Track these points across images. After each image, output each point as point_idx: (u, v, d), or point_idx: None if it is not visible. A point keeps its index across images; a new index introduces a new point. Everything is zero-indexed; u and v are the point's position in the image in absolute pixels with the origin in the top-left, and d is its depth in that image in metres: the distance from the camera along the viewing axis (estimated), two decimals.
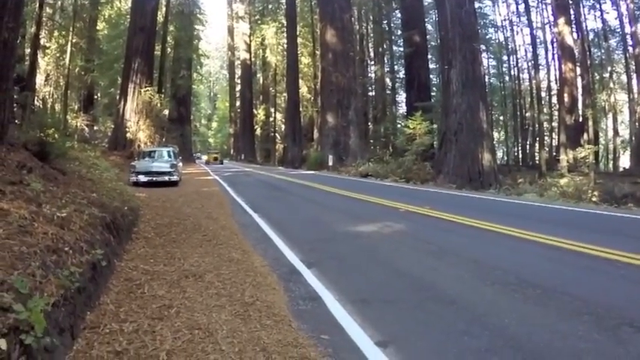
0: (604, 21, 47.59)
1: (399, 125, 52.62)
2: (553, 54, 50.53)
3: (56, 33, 44.34)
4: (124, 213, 8.41)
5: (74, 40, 40.97)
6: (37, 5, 32.30)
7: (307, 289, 5.92)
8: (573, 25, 42.28)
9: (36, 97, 34.47)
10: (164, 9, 49.87)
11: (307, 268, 6.95)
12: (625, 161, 46.55)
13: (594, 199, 18.95)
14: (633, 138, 42.19)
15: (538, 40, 52.49)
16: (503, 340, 4.26)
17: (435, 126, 37.33)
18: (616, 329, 4.42)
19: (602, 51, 48.02)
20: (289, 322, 4.73)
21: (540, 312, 4.99)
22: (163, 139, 38.45)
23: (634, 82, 41.65)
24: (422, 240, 9.25)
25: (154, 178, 21.35)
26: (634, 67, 40.78)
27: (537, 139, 51.66)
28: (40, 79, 41.33)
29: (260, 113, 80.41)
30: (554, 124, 51.16)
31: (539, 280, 6.17)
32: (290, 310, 5.14)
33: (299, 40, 64.56)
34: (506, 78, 57.48)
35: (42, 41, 39.71)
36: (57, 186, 7.06)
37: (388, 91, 64.16)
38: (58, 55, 44.28)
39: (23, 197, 5.42)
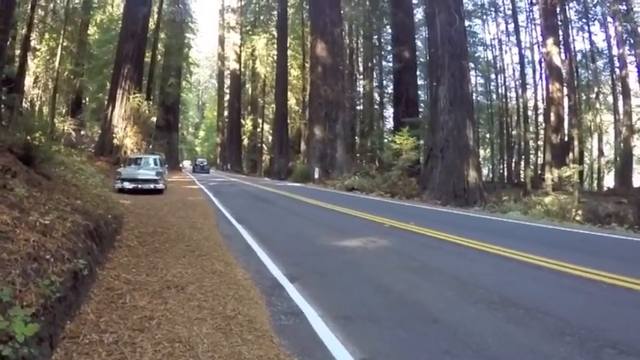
0: (592, 43, 48.26)
1: (385, 140, 52.70)
2: (541, 74, 50.92)
3: (47, 35, 44.13)
4: (107, 221, 8.33)
5: (65, 44, 40.85)
6: (29, 7, 32.25)
7: (289, 304, 5.90)
8: (561, 46, 42.76)
9: (24, 99, 34.27)
10: (156, 16, 49.85)
11: (290, 282, 6.93)
12: (609, 181, 46.97)
13: (578, 218, 19.11)
14: (618, 158, 42.62)
15: (526, 60, 53.07)
16: None
17: (421, 142, 37.54)
18: (598, 351, 4.44)
19: (590, 72, 48.62)
20: (271, 338, 4.70)
21: (523, 332, 4.99)
22: (150, 147, 38.29)
23: (620, 103, 42.17)
24: (406, 256, 9.26)
25: (140, 186, 21.21)
26: (620, 89, 41.31)
27: (523, 157, 51.97)
28: (29, 81, 41.07)
29: (248, 124, 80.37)
30: (540, 142, 51.54)
31: (522, 299, 6.19)
32: (272, 325, 5.12)
33: (289, 52, 64.78)
34: (494, 96, 57.99)
35: (32, 43, 39.58)
36: (41, 191, 6.98)
37: (376, 106, 64.37)
38: (47, 57, 44.01)
39: (6, 202, 5.36)
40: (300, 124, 67.10)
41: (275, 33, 67.45)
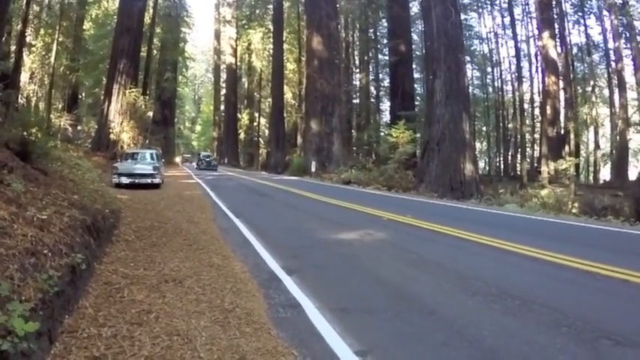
0: (588, 36, 48.37)
1: (382, 133, 52.72)
2: (537, 67, 51.14)
3: (42, 31, 44.01)
4: (104, 215, 8.32)
5: (60, 39, 40.77)
6: (24, 3, 32.12)
7: (287, 297, 5.91)
8: (557, 39, 42.78)
9: (20, 95, 34.17)
10: (151, 10, 49.71)
11: (288, 275, 6.93)
12: (605, 174, 47.09)
13: (574, 210, 19.17)
14: (614, 151, 42.74)
15: (522, 53, 53.22)
16: (481, 351, 4.27)
17: (418, 135, 37.52)
18: (594, 342, 4.44)
19: (586, 65, 48.70)
20: (269, 330, 4.71)
21: (519, 324, 5.00)
22: (147, 141, 38.25)
23: (616, 96, 42.26)
24: (403, 249, 9.26)
25: (137, 180, 21.15)
26: (616, 82, 41.37)
27: (519, 150, 52.08)
28: (24, 76, 41.02)
29: (244, 118, 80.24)
30: (536, 135, 51.74)
31: (519, 291, 6.20)
32: (270, 317, 5.13)
33: (285, 46, 64.63)
34: (490, 89, 58.01)
35: (28, 39, 39.50)
36: (38, 187, 6.96)
37: (372, 100, 64.35)
38: (43, 53, 43.92)
39: (3, 198, 5.35)
40: (296, 117, 67.11)
41: (271, 27, 67.28)
